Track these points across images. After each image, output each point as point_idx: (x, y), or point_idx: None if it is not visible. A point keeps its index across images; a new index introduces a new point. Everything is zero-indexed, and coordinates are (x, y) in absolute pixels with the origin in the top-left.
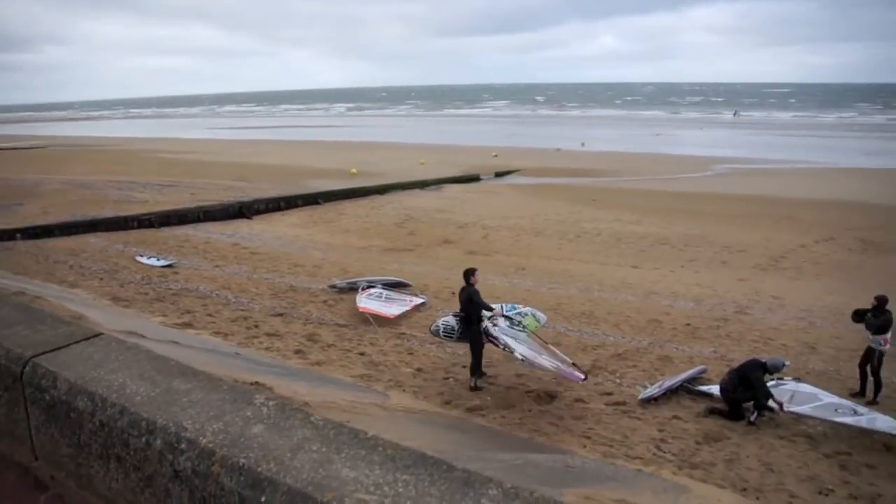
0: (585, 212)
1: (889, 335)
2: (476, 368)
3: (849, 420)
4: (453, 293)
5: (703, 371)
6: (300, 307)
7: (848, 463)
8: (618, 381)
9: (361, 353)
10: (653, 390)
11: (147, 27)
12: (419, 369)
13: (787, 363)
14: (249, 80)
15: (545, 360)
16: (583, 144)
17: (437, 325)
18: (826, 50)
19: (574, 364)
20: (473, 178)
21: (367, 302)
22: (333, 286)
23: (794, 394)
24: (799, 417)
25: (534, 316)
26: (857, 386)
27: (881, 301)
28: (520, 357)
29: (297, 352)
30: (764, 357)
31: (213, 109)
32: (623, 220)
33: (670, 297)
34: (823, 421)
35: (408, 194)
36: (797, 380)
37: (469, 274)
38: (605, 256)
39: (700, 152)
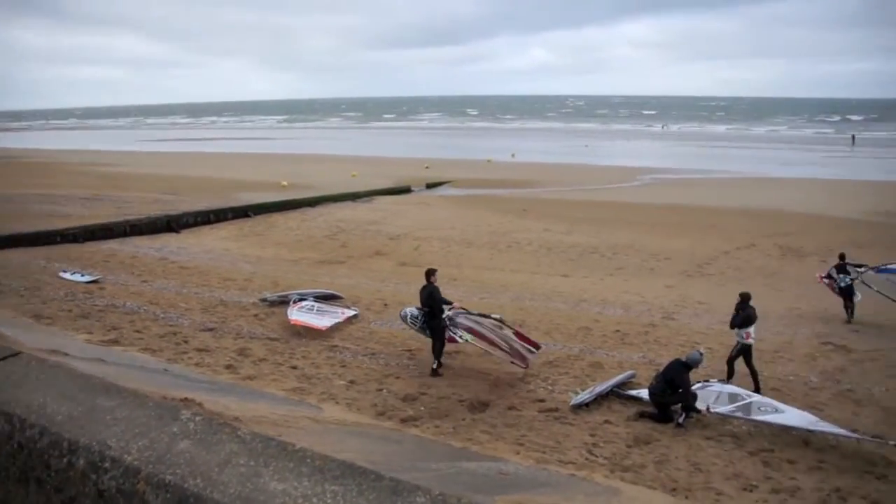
0: (516, 222)
1: (752, 329)
2: (439, 353)
3: (770, 418)
4: (386, 305)
5: (633, 376)
6: (231, 321)
7: (770, 459)
8: (550, 387)
9: (294, 367)
10: (584, 396)
11: (68, 35)
12: (352, 381)
13: (702, 352)
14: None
15: (501, 344)
16: (513, 156)
17: (405, 313)
18: (746, 65)
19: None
20: (405, 190)
21: (299, 315)
22: (264, 300)
23: (719, 395)
24: (724, 417)
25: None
26: (781, 386)
27: (744, 298)
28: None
29: (228, 367)
30: (682, 356)
31: (139, 121)
32: (553, 230)
33: (600, 304)
34: (747, 420)
35: (339, 206)
36: (722, 381)
37: (429, 273)
38: (536, 266)
39: (627, 163)
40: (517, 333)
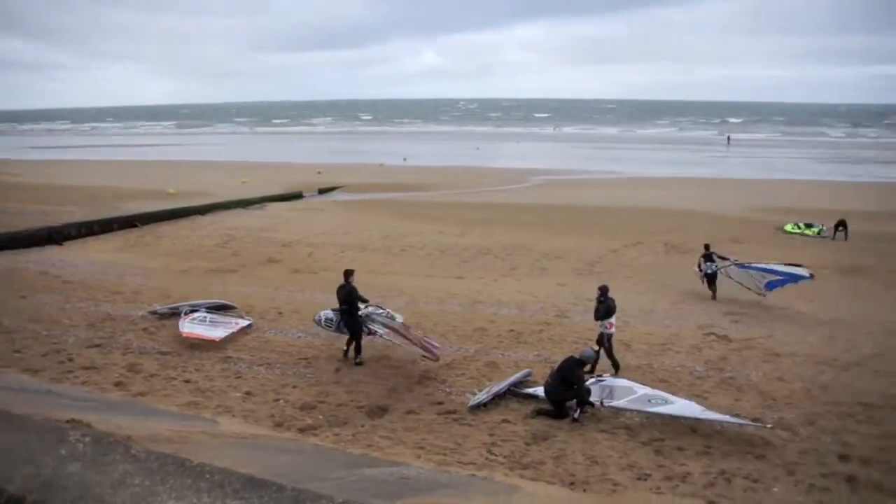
0: (409, 225)
1: (613, 319)
2: (358, 350)
3: (660, 409)
4: (280, 313)
5: (529, 374)
6: (119, 336)
7: (662, 448)
8: (448, 389)
9: (187, 381)
10: (482, 396)
11: None
12: (248, 393)
13: (596, 349)
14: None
15: (413, 338)
16: (405, 160)
17: (320, 317)
18: (634, 69)
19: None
20: (297, 196)
21: (191, 326)
22: (154, 312)
23: (611, 389)
24: (617, 411)
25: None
26: (669, 377)
27: (603, 290)
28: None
29: (118, 384)
30: (576, 353)
31: (14, 127)
32: (446, 233)
33: (495, 304)
34: (639, 412)
35: (230, 214)
36: (614, 375)
37: (348, 274)
38: (431, 269)
39: (518, 165)
40: None
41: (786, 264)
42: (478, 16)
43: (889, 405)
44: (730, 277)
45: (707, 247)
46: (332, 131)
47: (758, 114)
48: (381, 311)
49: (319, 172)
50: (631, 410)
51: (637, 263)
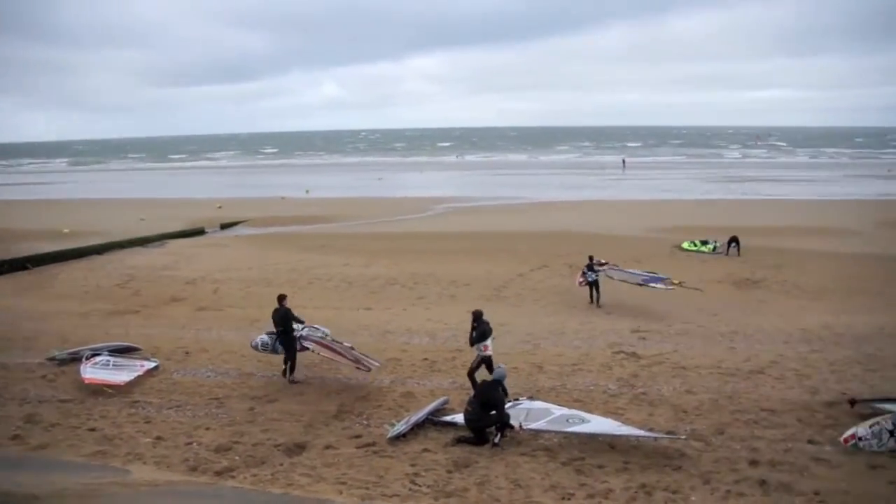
0: (315, 258)
1: (489, 342)
2: (292, 369)
3: (578, 428)
4: (187, 353)
5: (446, 402)
6: (14, 386)
7: (583, 467)
8: (365, 422)
9: (92, 429)
10: (400, 427)
11: None
12: (159, 437)
13: (502, 365)
14: None
15: (344, 352)
16: (307, 192)
17: (256, 342)
18: (533, 97)
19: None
20: (199, 232)
21: (94, 371)
22: (53, 358)
23: (528, 411)
24: (537, 433)
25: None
26: (583, 397)
27: (476, 315)
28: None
29: (15, 437)
30: (492, 375)
31: None
32: (352, 264)
33: (406, 334)
34: (558, 432)
35: (129, 252)
36: (530, 398)
37: (281, 298)
38: (339, 300)
39: (422, 194)
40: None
41: (647, 272)
42: (376, 47)
43: (789, 410)
44: (611, 278)
45: (591, 258)
46: (233, 165)
47: (655, 137)
48: (317, 330)
49: (220, 207)
50: (550, 431)
51: (544, 286)
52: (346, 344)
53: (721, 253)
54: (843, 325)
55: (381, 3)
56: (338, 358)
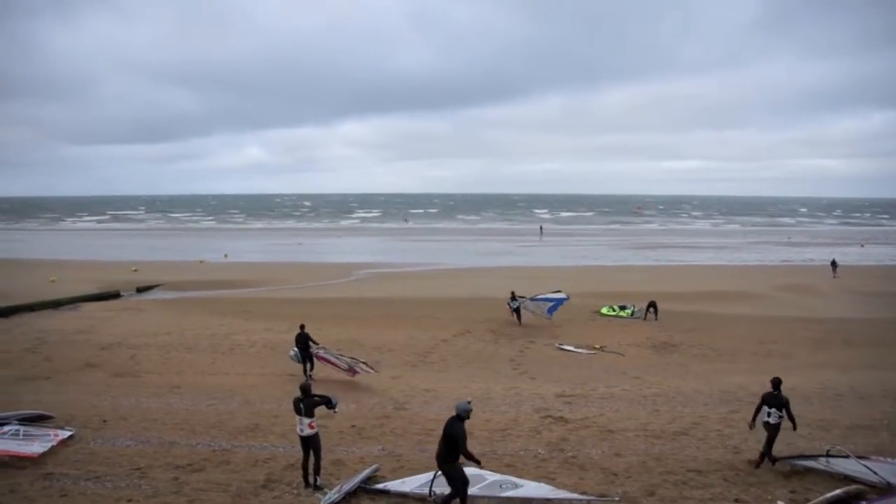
0: (236, 324)
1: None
2: (312, 368)
3: (511, 493)
4: (105, 421)
5: (377, 469)
6: None
7: None
8: (296, 491)
9: None
10: (332, 496)
11: None
12: None
13: (469, 400)
14: None
15: (344, 364)
16: (226, 256)
17: (293, 353)
18: (450, 164)
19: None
20: (114, 295)
21: (2, 442)
22: None
23: None
24: (471, 499)
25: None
26: (514, 462)
27: (304, 389)
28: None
29: None
30: (456, 410)
31: None
32: (275, 330)
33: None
34: (491, 498)
35: (39, 316)
36: (461, 464)
37: (302, 326)
38: (262, 367)
39: (343, 259)
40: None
41: (553, 292)
42: (303, 111)
43: (714, 470)
44: (527, 309)
45: (512, 293)
46: (151, 227)
47: (567, 205)
48: (329, 350)
49: (136, 270)
50: (484, 497)
51: (468, 352)
52: (345, 357)
53: (639, 318)
54: (757, 385)
55: (316, 69)
56: (334, 367)
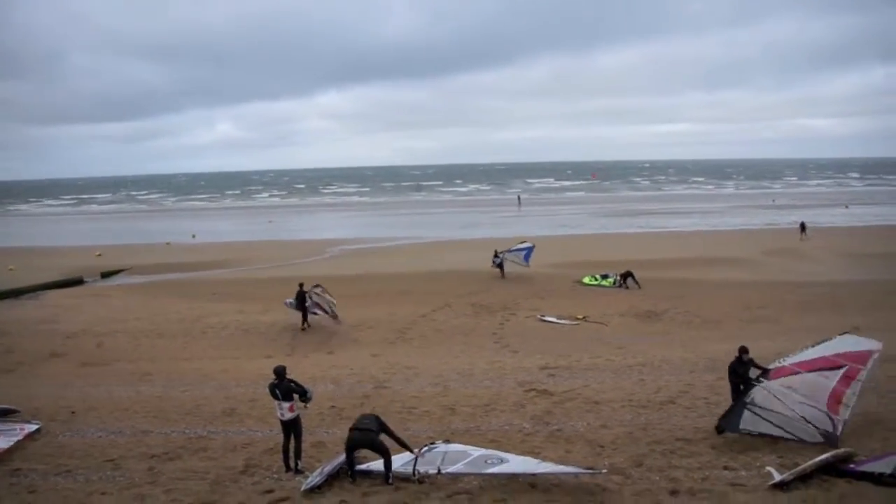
0: (207, 306)
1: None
2: (305, 318)
3: (497, 469)
4: (73, 412)
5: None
6: None
7: None
8: (275, 475)
9: None
10: (314, 479)
11: None
12: None
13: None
14: None
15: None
16: (194, 237)
17: (288, 301)
18: (435, 135)
19: None
20: (77, 282)
21: None
22: None
23: (445, 455)
24: (455, 476)
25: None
26: (499, 437)
27: (278, 373)
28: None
29: None
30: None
31: None
32: (248, 311)
33: (309, 381)
34: (478, 475)
35: None
36: (446, 441)
37: (301, 285)
38: (236, 350)
39: (317, 236)
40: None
41: (520, 243)
42: (281, 84)
43: (702, 438)
44: (508, 260)
45: (496, 251)
46: (113, 209)
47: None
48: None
49: (99, 255)
50: (469, 474)
51: (448, 327)
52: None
53: (622, 287)
54: None
55: (297, 37)
56: (318, 311)
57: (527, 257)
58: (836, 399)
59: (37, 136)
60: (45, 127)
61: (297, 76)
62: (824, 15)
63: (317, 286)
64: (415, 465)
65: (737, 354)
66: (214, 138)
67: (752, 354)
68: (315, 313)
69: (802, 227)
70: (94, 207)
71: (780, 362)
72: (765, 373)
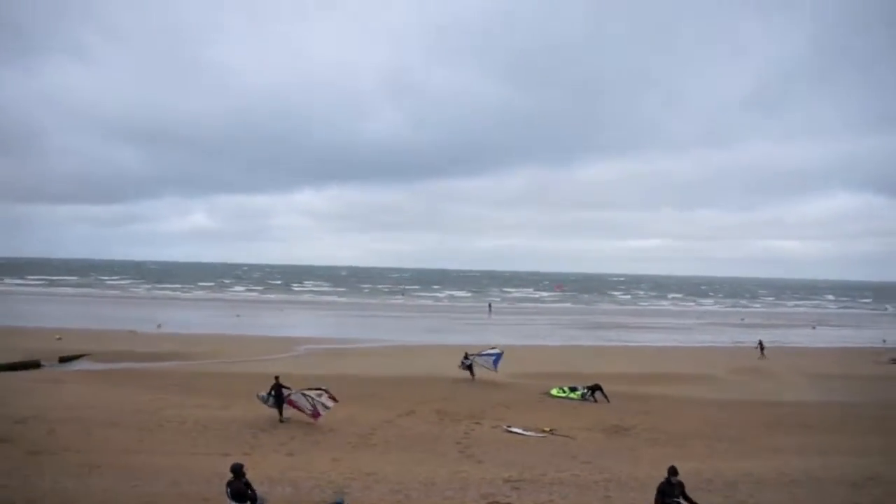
0: (166, 398)
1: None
2: (281, 412)
3: None
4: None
5: None
6: None
7: None
8: None
9: None
10: None
11: None
12: None
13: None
14: None
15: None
16: (159, 326)
17: (263, 396)
18: (411, 238)
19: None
20: (34, 365)
21: None
22: None
23: None
24: None
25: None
26: None
27: (235, 472)
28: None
29: None
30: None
31: None
32: (209, 406)
33: (266, 483)
34: None
35: None
36: None
37: (277, 377)
38: (193, 446)
39: (284, 333)
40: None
41: (490, 348)
42: (258, 179)
43: None
44: (477, 364)
45: (466, 353)
46: (78, 293)
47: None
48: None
49: (59, 338)
50: None
51: (412, 433)
52: (311, 396)
53: (590, 400)
54: (711, 471)
55: (280, 132)
56: (297, 409)
57: (496, 363)
58: None
59: (13, 213)
60: (22, 205)
61: (275, 172)
62: (796, 140)
63: (292, 392)
64: None
65: (666, 475)
66: (189, 227)
67: (720, 474)
68: (296, 406)
69: (761, 345)
70: (62, 290)
71: None
72: None
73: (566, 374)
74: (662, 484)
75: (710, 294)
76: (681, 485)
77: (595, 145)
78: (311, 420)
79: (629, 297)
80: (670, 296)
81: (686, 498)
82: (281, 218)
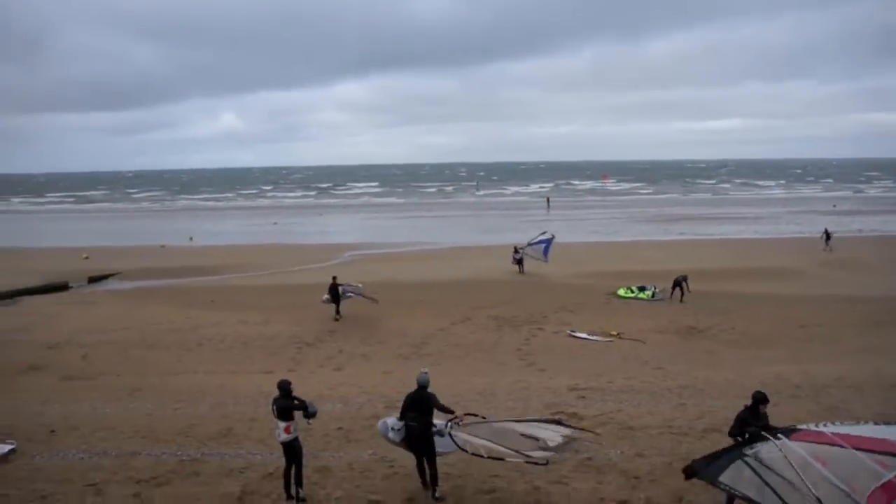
0: (204, 315)
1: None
2: (337, 311)
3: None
4: (53, 431)
5: None
6: None
7: None
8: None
9: None
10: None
11: None
12: None
13: (425, 370)
14: None
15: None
16: (191, 239)
17: (324, 298)
18: (460, 129)
19: None
20: (62, 287)
21: None
22: None
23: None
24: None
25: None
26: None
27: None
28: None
29: None
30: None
31: None
32: (248, 321)
33: (314, 400)
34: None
35: None
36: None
37: (335, 277)
38: (235, 363)
39: (326, 240)
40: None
41: (541, 234)
42: (295, 72)
43: None
44: (528, 256)
45: (515, 247)
46: (102, 208)
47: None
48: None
49: (87, 257)
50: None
51: (468, 342)
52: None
53: (661, 299)
54: (798, 375)
55: (316, 19)
56: (363, 294)
57: (546, 251)
58: (889, 496)
59: (21, 124)
60: (30, 115)
61: (312, 63)
62: None
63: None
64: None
65: (749, 403)
66: (217, 131)
67: (809, 378)
68: (350, 296)
69: (826, 235)
70: (86, 206)
71: (816, 427)
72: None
73: (634, 272)
74: (743, 412)
75: (794, 178)
76: (766, 417)
77: (669, 14)
78: (374, 298)
79: (706, 184)
80: (760, 182)
81: (769, 429)
82: (319, 115)
